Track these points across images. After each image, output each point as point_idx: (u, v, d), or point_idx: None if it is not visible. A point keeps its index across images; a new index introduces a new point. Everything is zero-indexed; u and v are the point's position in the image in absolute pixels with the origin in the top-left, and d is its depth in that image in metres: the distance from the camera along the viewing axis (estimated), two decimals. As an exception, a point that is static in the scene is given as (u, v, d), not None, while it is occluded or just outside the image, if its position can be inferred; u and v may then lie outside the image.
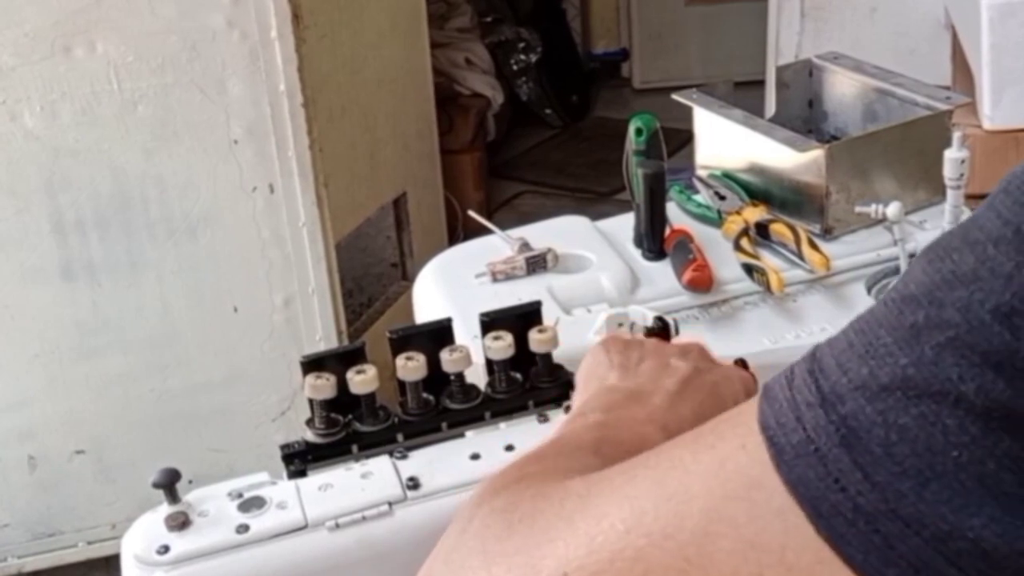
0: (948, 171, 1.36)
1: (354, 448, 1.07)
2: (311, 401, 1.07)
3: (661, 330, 1.15)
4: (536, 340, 1.11)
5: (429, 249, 2.37)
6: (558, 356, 1.14)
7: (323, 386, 1.06)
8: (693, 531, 0.51)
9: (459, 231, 3.33)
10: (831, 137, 1.65)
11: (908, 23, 2.79)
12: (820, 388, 0.50)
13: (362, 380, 1.06)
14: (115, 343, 2.30)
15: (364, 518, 0.99)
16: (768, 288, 1.35)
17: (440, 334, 1.11)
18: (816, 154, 1.44)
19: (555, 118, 4.64)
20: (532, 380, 1.12)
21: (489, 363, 1.12)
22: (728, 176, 1.56)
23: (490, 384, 1.11)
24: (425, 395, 1.09)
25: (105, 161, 2.18)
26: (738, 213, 1.49)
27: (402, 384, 1.09)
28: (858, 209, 1.42)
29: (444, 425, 1.09)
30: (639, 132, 1.45)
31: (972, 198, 1.51)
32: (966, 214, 1.41)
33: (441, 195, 3.30)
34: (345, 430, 1.07)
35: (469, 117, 3.90)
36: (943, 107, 1.50)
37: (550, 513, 0.57)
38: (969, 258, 0.48)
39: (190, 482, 1.02)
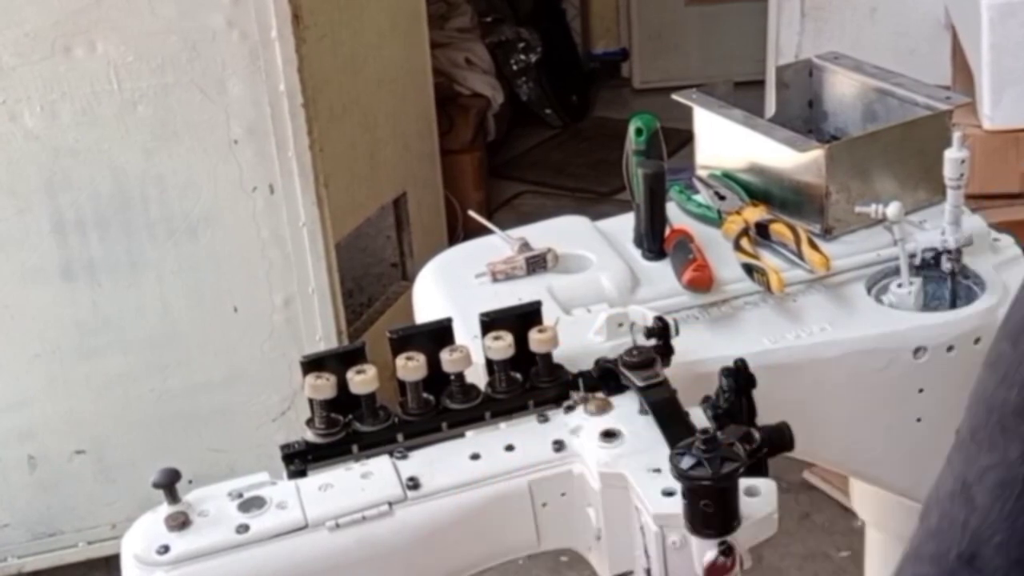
0: (948, 171, 1.36)
1: (354, 448, 1.07)
2: (311, 401, 1.07)
3: (661, 330, 1.15)
4: (536, 340, 1.11)
5: (429, 249, 2.37)
6: (558, 356, 1.14)
7: (323, 386, 1.06)
8: None
9: (459, 231, 3.33)
10: (831, 137, 1.64)
11: (908, 23, 2.79)
12: None
13: (362, 380, 1.06)
14: (115, 343, 2.30)
15: (364, 518, 0.99)
16: (768, 288, 1.35)
17: (440, 334, 1.11)
18: (816, 154, 1.44)
19: (555, 118, 4.64)
20: (532, 380, 1.12)
21: (489, 363, 1.12)
22: (728, 176, 1.56)
23: (490, 384, 1.11)
24: (425, 395, 1.09)
25: (105, 161, 2.18)
26: (738, 213, 1.48)
27: (402, 384, 1.09)
28: (858, 209, 1.42)
29: (444, 425, 1.09)
30: (639, 132, 1.45)
31: (972, 198, 1.51)
32: (966, 214, 1.41)
33: (441, 195, 3.30)
34: (345, 430, 1.07)
35: (469, 117, 3.90)
36: (943, 107, 1.50)
37: None
38: None
39: (190, 482, 1.02)
